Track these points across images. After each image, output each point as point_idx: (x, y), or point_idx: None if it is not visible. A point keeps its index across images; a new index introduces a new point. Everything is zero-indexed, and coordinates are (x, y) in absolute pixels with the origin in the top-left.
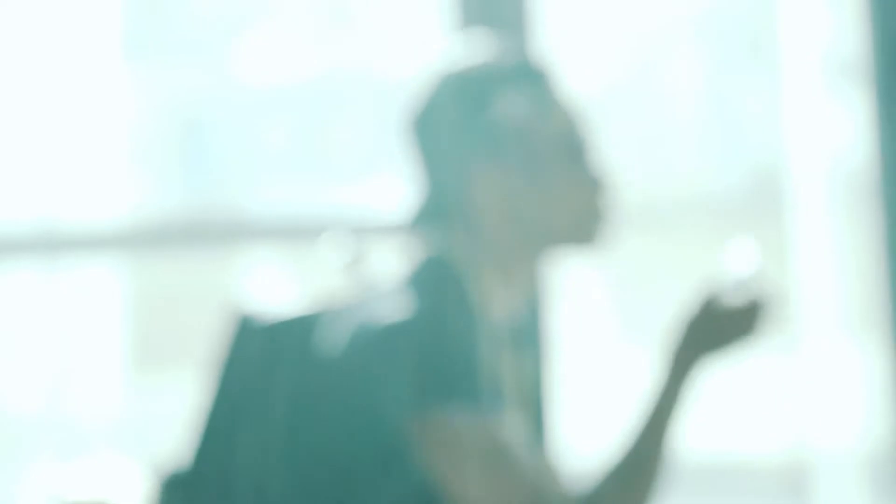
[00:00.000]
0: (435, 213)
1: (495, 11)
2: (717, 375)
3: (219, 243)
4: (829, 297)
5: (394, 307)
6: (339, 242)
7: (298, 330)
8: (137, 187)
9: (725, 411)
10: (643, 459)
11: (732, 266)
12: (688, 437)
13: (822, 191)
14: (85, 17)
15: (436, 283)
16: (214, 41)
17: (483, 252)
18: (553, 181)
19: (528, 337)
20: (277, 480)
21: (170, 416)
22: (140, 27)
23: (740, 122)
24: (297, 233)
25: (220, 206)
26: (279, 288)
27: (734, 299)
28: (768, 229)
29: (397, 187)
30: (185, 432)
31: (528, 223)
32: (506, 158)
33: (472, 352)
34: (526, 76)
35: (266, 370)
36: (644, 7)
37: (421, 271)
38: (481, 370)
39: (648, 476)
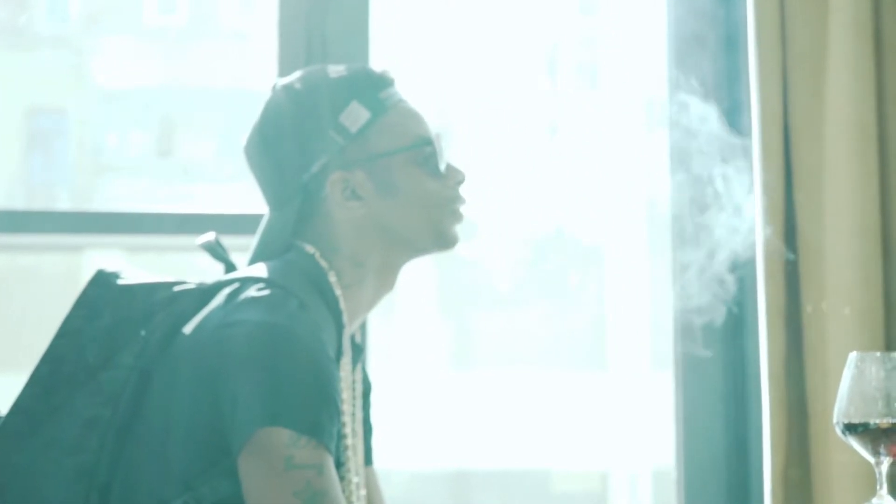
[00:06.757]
0: (287, 223)
1: (339, 35)
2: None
3: (63, 232)
4: (635, 329)
5: (257, 307)
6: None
7: (157, 296)
8: None
9: (536, 425)
10: None
11: None
12: (494, 446)
13: (635, 227)
14: None
15: (302, 286)
16: (74, 36)
17: (340, 261)
18: (403, 187)
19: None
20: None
21: None
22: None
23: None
24: (142, 227)
25: (65, 196)
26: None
27: None
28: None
29: (242, 193)
30: None
31: (381, 230)
32: (355, 167)
33: (330, 370)
34: (370, 86)
35: (117, 327)
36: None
37: (286, 273)
38: (333, 390)
39: None
